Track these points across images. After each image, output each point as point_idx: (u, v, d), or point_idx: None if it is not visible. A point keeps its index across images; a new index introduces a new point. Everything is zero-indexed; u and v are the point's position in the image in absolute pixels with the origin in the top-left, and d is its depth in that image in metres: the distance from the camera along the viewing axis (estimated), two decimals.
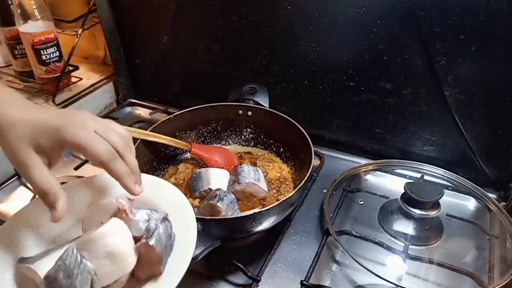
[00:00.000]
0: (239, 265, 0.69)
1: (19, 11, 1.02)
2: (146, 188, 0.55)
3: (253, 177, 0.78)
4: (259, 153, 0.94)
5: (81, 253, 0.44)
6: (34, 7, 1.02)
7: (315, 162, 0.80)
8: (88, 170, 0.94)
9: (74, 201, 0.59)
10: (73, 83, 1.19)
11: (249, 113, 0.92)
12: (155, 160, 0.87)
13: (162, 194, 0.58)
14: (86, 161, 0.95)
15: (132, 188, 0.50)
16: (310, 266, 0.71)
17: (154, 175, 0.83)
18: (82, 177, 0.64)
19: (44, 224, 0.56)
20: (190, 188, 0.81)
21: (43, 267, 0.45)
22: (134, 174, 0.51)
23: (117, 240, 0.46)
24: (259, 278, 0.69)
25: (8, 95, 0.49)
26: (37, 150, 0.46)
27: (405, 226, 0.78)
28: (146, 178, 0.58)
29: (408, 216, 0.78)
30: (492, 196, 0.86)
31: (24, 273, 0.48)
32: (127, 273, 0.47)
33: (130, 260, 0.46)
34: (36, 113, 0.47)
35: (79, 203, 0.59)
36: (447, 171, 0.90)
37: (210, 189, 0.77)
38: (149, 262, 0.48)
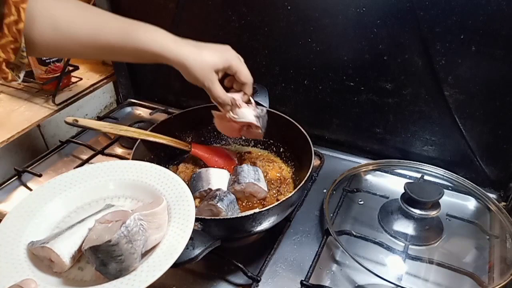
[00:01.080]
0: (239, 265, 0.69)
1: None
2: (149, 176, 0.62)
3: (253, 177, 0.78)
4: (259, 153, 0.94)
5: (141, 223, 0.52)
6: None
7: (315, 162, 0.80)
8: None
9: (85, 184, 0.63)
10: (73, 83, 1.19)
11: None
12: (155, 160, 0.87)
13: (168, 184, 0.62)
14: (86, 161, 0.95)
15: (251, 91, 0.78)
16: (310, 266, 0.71)
17: None
18: None
19: (46, 211, 0.59)
20: (190, 188, 0.81)
21: (58, 245, 0.51)
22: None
23: (165, 216, 0.55)
24: (259, 278, 0.69)
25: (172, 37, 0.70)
26: (214, 70, 0.69)
27: (405, 226, 0.78)
28: (158, 168, 0.64)
29: (408, 216, 0.78)
30: (492, 196, 0.86)
31: (36, 254, 0.52)
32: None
33: (163, 233, 0.55)
34: (207, 47, 0.71)
35: (85, 188, 0.63)
36: (447, 171, 0.90)
37: (210, 189, 0.77)
38: None
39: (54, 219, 0.59)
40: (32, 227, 0.56)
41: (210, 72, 0.68)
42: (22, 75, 0.64)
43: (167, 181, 0.62)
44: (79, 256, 0.53)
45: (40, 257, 0.52)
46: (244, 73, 0.73)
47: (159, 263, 0.50)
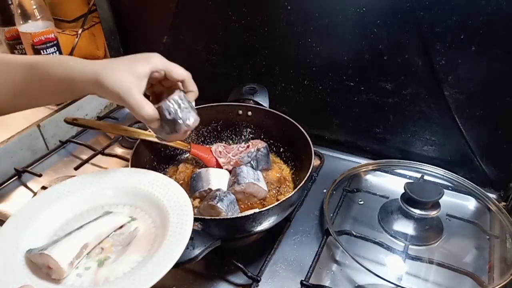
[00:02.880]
0: (239, 265, 0.69)
1: (19, 11, 1.02)
2: (151, 183, 0.63)
3: (253, 177, 0.78)
4: None
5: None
6: (34, 7, 1.02)
7: (315, 162, 0.80)
8: (88, 170, 0.94)
9: (83, 192, 0.64)
10: None
11: (249, 113, 0.92)
12: (155, 160, 0.87)
13: (167, 190, 0.62)
14: (86, 161, 0.95)
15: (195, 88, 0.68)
16: (310, 266, 0.71)
17: None
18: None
19: (45, 218, 0.59)
20: (190, 188, 0.81)
21: (56, 251, 0.51)
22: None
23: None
24: (259, 278, 0.69)
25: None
26: (138, 79, 0.58)
27: (405, 226, 0.78)
28: (152, 174, 0.65)
29: (408, 216, 0.78)
30: (492, 196, 0.86)
31: (35, 261, 0.53)
32: None
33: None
34: (127, 57, 0.61)
35: (84, 195, 0.63)
36: (447, 171, 0.90)
37: (210, 189, 0.77)
38: None
39: (53, 226, 0.59)
40: (30, 235, 0.56)
41: (126, 78, 0.57)
42: None
43: (165, 187, 0.62)
44: (77, 263, 0.54)
45: (39, 264, 0.52)
46: (176, 70, 0.63)
47: (158, 268, 0.50)
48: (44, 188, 0.86)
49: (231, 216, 0.70)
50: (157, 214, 0.60)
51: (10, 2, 1.05)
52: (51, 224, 0.59)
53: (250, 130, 0.95)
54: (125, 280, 0.50)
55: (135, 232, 0.58)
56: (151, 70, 0.60)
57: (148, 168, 0.83)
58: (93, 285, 0.51)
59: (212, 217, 0.65)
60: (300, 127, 0.83)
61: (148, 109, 0.58)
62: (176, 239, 0.53)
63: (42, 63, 0.60)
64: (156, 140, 0.83)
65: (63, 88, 0.61)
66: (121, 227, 0.58)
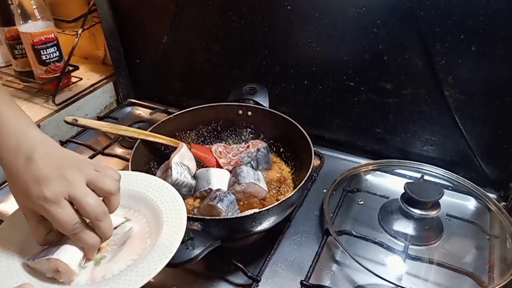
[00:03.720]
0: (239, 265, 0.69)
1: (19, 11, 1.02)
2: (144, 185, 0.63)
3: (253, 177, 0.78)
4: None
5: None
6: (34, 7, 1.02)
7: (315, 162, 0.80)
8: None
9: None
10: (73, 83, 1.19)
11: (249, 113, 0.92)
12: (155, 160, 0.87)
13: (160, 191, 0.62)
14: None
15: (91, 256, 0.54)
16: (310, 266, 0.71)
17: (153, 175, 0.83)
18: None
19: None
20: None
21: (64, 255, 0.51)
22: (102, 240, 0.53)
23: None
24: (259, 278, 0.69)
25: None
26: (25, 208, 0.51)
27: (405, 226, 0.78)
28: (145, 176, 0.65)
29: (408, 216, 0.78)
30: (492, 196, 0.85)
31: (40, 268, 0.53)
32: None
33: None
34: (31, 170, 0.49)
35: None
36: (447, 171, 0.90)
37: (211, 189, 0.77)
38: None
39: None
40: (27, 235, 0.56)
41: (22, 207, 0.51)
42: None
43: (158, 188, 0.63)
44: (83, 263, 0.54)
45: (43, 270, 0.52)
46: (56, 219, 0.49)
47: (154, 264, 0.50)
48: None
49: (231, 216, 0.70)
50: (151, 215, 0.60)
51: (10, 2, 1.05)
52: None
53: (250, 130, 0.95)
54: (121, 277, 0.51)
55: (129, 232, 0.58)
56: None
57: (148, 168, 0.84)
58: (91, 283, 0.52)
59: (212, 217, 0.65)
60: (300, 127, 0.83)
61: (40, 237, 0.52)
62: (171, 237, 0.54)
63: None
64: (156, 140, 0.84)
65: None
66: (115, 227, 0.57)
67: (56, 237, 0.53)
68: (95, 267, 0.54)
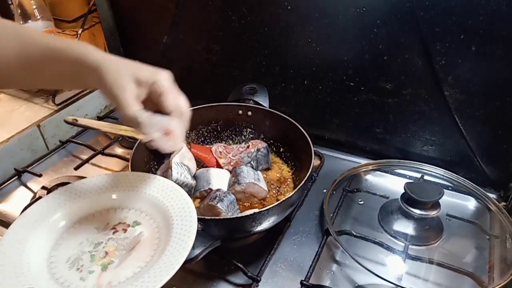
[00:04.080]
0: (239, 265, 0.69)
1: (19, 11, 1.02)
2: (159, 190, 0.63)
3: (253, 177, 0.78)
4: None
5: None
6: (34, 7, 1.02)
7: (315, 162, 0.80)
8: (88, 170, 0.94)
9: (89, 195, 0.64)
10: None
11: (249, 113, 0.92)
12: (155, 160, 0.87)
13: (172, 196, 0.62)
14: (86, 161, 0.95)
15: (176, 143, 0.62)
16: (310, 266, 0.71)
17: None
18: (83, 177, 0.66)
19: (50, 221, 0.60)
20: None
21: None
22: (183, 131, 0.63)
23: None
24: (259, 278, 0.69)
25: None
26: (133, 80, 0.56)
27: (405, 226, 0.78)
28: (161, 180, 0.65)
29: (408, 216, 0.78)
30: (492, 196, 0.85)
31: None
32: None
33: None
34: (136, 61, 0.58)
35: (89, 199, 0.64)
36: (447, 171, 0.90)
37: (211, 189, 0.77)
38: None
39: (58, 229, 0.60)
40: (36, 238, 0.57)
41: (124, 79, 0.55)
42: None
43: (170, 193, 0.62)
44: (80, 266, 0.54)
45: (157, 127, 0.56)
46: (172, 97, 0.59)
47: (160, 274, 0.50)
48: (44, 188, 0.86)
49: (231, 216, 0.70)
50: (162, 220, 0.60)
51: (10, 2, 1.06)
52: (56, 227, 0.60)
53: (250, 130, 0.95)
54: (127, 285, 0.50)
55: (139, 237, 0.58)
56: (151, 82, 0.57)
57: (148, 168, 0.84)
58: None
59: (212, 217, 0.65)
60: (300, 127, 0.83)
61: (131, 111, 0.56)
62: (179, 246, 0.53)
63: (57, 47, 0.57)
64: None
65: (71, 76, 0.59)
66: (125, 231, 0.58)
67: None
68: (102, 272, 0.54)
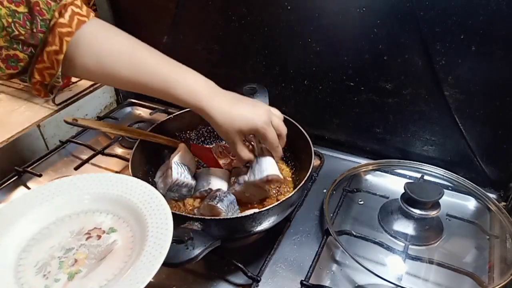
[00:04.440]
0: (239, 265, 0.69)
1: None
2: (120, 187, 0.62)
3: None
4: None
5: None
6: None
7: (315, 162, 0.80)
8: (88, 170, 0.94)
9: (68, 195, 0.62)
10: (73, 83, 1.19)
11: None
12: (155, 160, 0.87)
13: (137, 191, 0.61)
14: (86, 161, 0.95)
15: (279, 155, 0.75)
16: (310, 266, 0.71)
17: (153, 175, 0.83)
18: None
19: (22, 222, 0.58)
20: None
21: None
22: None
23: None
24: (259, 278, 0.69)
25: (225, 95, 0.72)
26: (239, 133, 0.69)
27: (405, 226, 0.78)
28: (119, 177, 0.63)
29: (408, 216, 0.78)
30: (492, 196, 0.86)
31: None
32: None
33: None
34: (239, 108, 0.69)
35: (64, 200, 0.62)
36: (447, 171, 0.90)
37: (211, 189, 0.77)
38: None
39: (31, 231, 0.58)
40: (7, 237, 0.55)
41: (234, 133, 0.69)
42: (55, 92, 0.68)
43: (150, 200, 0.60)
44: (47, 272, 0.52)
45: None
46: (270, 140, 0.70)
47: (136, 282, 0.48)
48: None
49: (231, 216, 0.70)
50: (139, 229, 0.57)
51: None
52: (29, 228, 0.58)
53: None
54: None
55: (112, 245, 0.55)
56: (253, 132, 0.70)
57: (148, 168, 0.84)
58: None
59: (212, 217, 0.65)
60: (300, 127, 0.83)
61: (246, 157, 0.72)
62: (149, 263, 0.50)
63: (175, 88, 0.67)
64: (156, 140, 0.84)
65: (183, 105, 0.69)
66: (99, 237, 0.56)
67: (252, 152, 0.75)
68: (68, 282, 0.51)
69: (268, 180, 0.73)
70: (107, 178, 0.64)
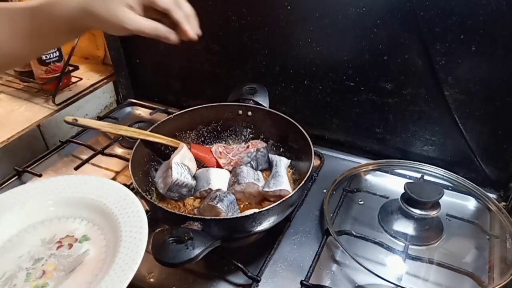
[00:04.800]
0: (239, 265, 0.69)
1: None
2: (95, 189, 0.59)
3: (253, 177, 0.78)
4: None
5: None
6: None
7: (315, 162, 0.80)
8: (88, 170, 0.94)
9: (40, 200, 0.60)
10: (73, 83, 1.19)
11: (249, 113, 0.92)
12: (155, 160, 0.87)
13: (111, 192, 0.59)
14: (86, 161, 0.95)
15: (187, 30, 0.63)
16: (310, 266, 0.71)
17: (153, 175, 0.83)
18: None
19: None
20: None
21: None
22: (190, 19, 0.63)
23: None
24: (259, 278, 0.69)
25: None
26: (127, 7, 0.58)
27: (405, 226, 0.78)
28: (93, 179, 0.61)
29: (408, 216, 0.78)
30: (492, 196, 0.86)
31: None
32: None
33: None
34: None
35: (37, 205, 0.60)
36: (447, 171, 0.90)
37: (211, 189, 0.77)
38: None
39: (1, 238, 0.56)
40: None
41: (116, 7, 0.57)
42: None
43: (127, 207, 0.57)
44: (13, 285, 0.50)
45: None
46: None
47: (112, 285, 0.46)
48: None
49: (231, 216, 0.70)
50: (112, 237, 0.54)
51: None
52: (2, 231, 0.56)
53: (250, 130, 0.95)
54: None
55: (83, 256, 0.53)
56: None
57: (148, 168, 0.84)
58: None
59: (212, 217, 0.65)
60: (300, 127, 0.83)
61: (146, 23, 0.61)
62: (118, 279, 0.47)
63: (43, 7, 0.58)
64: (156, 140, 0.84)
65: (66, 28, 0.61)
66: (71, 247, 0.53)
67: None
68: None
69: (278, 195, 0.76)
70: (83, 181, 0.61)
